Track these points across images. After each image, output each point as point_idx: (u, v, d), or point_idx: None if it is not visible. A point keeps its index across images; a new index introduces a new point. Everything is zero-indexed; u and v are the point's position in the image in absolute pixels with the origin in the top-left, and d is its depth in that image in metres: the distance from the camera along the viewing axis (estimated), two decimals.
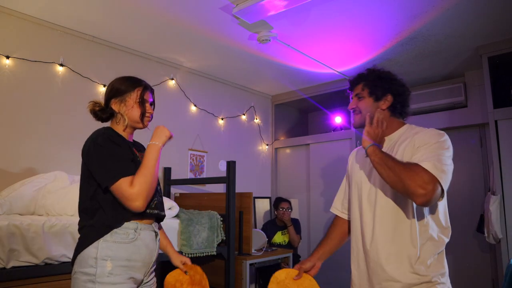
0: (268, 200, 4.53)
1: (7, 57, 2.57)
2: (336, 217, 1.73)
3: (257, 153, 4.51)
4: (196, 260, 2.84)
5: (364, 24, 2.84)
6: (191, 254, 2.49)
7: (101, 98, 1.49)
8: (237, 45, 3.19)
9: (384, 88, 1.45)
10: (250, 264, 2.99)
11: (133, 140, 1.55)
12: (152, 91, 1.51)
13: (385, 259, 1.36)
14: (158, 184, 1.46)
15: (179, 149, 3.59)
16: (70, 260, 1.98)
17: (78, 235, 1.34)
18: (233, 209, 2.76)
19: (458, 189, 3.76)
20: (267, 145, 4.64)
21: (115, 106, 1.43)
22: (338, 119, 4.32)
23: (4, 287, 1.75)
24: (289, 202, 3.87)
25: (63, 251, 1.96)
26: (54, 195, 2.24)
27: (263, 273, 3.65)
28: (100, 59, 3.07)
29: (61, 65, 2.82)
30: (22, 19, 2.66)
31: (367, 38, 3.07)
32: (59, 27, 2.84)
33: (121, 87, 1.44)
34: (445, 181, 1.25)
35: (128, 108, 1.42)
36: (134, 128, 1.48)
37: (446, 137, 1.36)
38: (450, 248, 3.73)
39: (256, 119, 4.51)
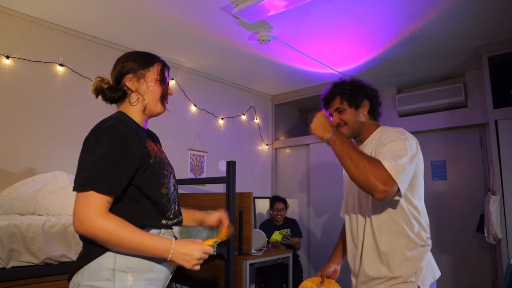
0: (268, 200, 4.53)
1: (7, 57, 2.57)
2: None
3: (257, 153, 4.51)
4: None
5: (364, 24, 2.84)
6: None
7: (101, 98, 1.30)
8: (237, 45, 3.19)
9: (361, 95, 1.54)
10: (250, 264, 2.99)
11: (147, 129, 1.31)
12: (169, 69, 1.30)
13: (364, 254, 1.47)
14: (176, 188, 1.25)
15: (179, 149, 3.59)
16: (70, 260, 1.98)
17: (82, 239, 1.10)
18: (233, 209, 2.75)
19: (458, 189, 3.76)
20: (267, 145, 4.64)
21: (131, 84, 1.19)
22: None
23: (4, 287, 1.75)
24: (284, 202, 3.86)
25: (63, 251, 1.96)
26: (54, 195, 2.24)
27: (263, 273, 3.65)
28: (100, 59, 3.07)
29: (61, 65, 2.82)
30: (22, 19, 2.66)
31: (367, 38, 3.07)
32: (59, 27, 2.84)
33: (137, 61, 1.20)
34: (402, 181, 1.26)
35: (148, 86, 1.19)
36: (152, 112, 1.24)
37: (408, 137, 1.40)
38: (450, 248, 3.76)
39: (256, 119, 4.51)
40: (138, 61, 1.21)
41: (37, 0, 2.49)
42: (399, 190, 1.25)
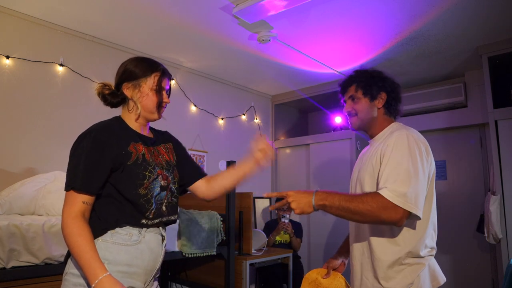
0: (268, 200, 4.53)
1: (7, 57, 2.57)
2: None
3: None
4: (196, 260, 2.85)
5: (364, 24, 2.84)
6: (191, 254, 2.49)
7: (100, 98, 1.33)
8: (237, 45, 3.19)
9: (378, 86, 1.45)
10: (250, 264, 2.99)
11: (151, 129, 1.39)
12: (169, 77, 1.36)
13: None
14: (168, 189, 1.29)
15: None
16: None
17: None
18: (233, 209, 2.75)
19: (458, 189, 3.76)
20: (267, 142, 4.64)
21: (127, 91, 1.25)
22: (338, 119, 4.32)
23: (4, 287, 1.75)
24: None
25: (63, 251, 1.96)
26: (54, 195, 2.24)
27: (263, 273, 3.65)
28: (100, 59, 3.07)
29: (61, 65, 2.82)
30: (22, 19, 2.66)
31: (367, 38, 3.07)
32: (59, 27, 2.84)
33: (135, 70, 1.25)
34: (410, 203, 1.17)
35: (142, 95, 1.24)
36: (148, 119, 1.31)
37: (410, 144, 1.27)
38: (450, 248, 3.76)
39: (256, 119, 4.51)
40: (137, 69, 1.26)
41: (37, 0, 2.49)
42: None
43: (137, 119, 1.28)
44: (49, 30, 2.80)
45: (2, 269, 1.76)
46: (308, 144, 4.40)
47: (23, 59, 2.64)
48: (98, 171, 1.15)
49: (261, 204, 4.41)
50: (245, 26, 2.83)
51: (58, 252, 1.93)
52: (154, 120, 1.31)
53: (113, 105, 1.29)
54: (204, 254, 2.59)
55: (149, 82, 1.26)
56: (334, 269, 1.60)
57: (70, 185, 1.13)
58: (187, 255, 2.43)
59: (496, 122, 3.13)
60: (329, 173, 4.10)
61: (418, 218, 1.21)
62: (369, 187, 1.35)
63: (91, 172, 1.13)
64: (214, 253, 2.66)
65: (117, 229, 1.17)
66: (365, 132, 1.54)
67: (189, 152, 3.69)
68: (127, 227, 1.19)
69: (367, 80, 1.46)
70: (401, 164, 1.23)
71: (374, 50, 3.30)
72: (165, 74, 1.31)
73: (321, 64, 3.61)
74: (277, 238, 3.70)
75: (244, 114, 4.35)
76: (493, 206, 3.05)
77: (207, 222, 2.65)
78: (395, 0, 2.50)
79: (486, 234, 3.15)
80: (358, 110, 1.46)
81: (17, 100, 2.60)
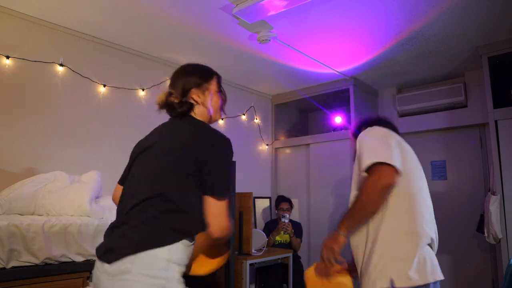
0: (268, 200, 4.53)
1: (7, 57, 2.57)
2: None
3: (257, 153, 4.51)
4: None
5: (364, 24, 2.84)
6: None
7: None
8: (237, 45, 3.19)
9: (361, 129, 1.61)
10: (250, 264, 2.99)
11: None
12: (221, 79, 1.43)
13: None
14: None
15: None
16: (70, 260, 1.98)
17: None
18: (233, 209, 2.76)
19: (458, 189, 3.76)
20: (267, 145, 4.64)
21: (197, 97, 1.29)
22: (338, 119, 4.32)
23: (4, 287, 1.75)
24: (290, 202, 3.85)
25: (63, 251, 1.96)
26: (54, 195, 2.24)
27: (263, 273, 3.65)
28: (100, 59, 3.07)
29: (61, 65, 2.82)
30: (22, 19, 2.66)
31: (367, 38, 3.07)
32: (59, 27, 2.84)
33: (200, 75, 1.31)
34: (383, 155, 1.27)
35: (211, 98, 1.30)
36: (215, 120, 1.36)
37: (373, 129, 1.49)
38: (450, 248, 3.76)
39: (256, 119, 4.52)
40: (200, 75, 1.32)
41: (37, 0, 2.49)
42: (394, 167, 1.25)
43: (208, 120, 1.32)
44: (49, 30, 2.80)
45: (2, 269, 1.76)
46: (308, 144, 4.40)
47: (23, 59, 2.64)
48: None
49: (261, 204, 4.41)
50: (245, 26, 2.83)
51: (58, 252, 1.93)
52: (218, 120, 1.38)
53: (179, 114, 1.28)
54: None
55: (213, 85, 1.32)
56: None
57: (228, 193, 1.17)
58: None
59: (496, 122, 3.13)
60: (329, 173, 4.10)
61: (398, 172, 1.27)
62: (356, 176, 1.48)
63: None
64: None
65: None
66: None
67: None
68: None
69: (355, 129, 1.70)
70: (369, 144, 1.38)
71: (374, 50, 3.30)
72: (220, 77, 1.39)
73: (321, 64, 3.61)
74: (277, 238, 3.70)
75: (244, 114, 4.35)
76: (493, 206, 3.05)
77: None
78: (395, 0, 2.50)
79: (486, 234, 3.15)
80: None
81: (17, 100, 2.60)
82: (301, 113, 5.24)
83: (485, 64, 3.23)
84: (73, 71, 2.89)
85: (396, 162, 1.25)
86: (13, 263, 1.80)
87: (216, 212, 1.12)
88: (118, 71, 3.18)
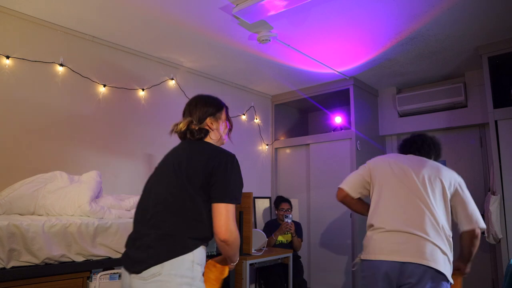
0: (268, 200, 4.53)
1: (7, 57, 2.57)
2: None
3: (257, 153, 4.51)
4: None
5: (364, 24, 2.84)
6: None
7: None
8: (237, 45, 3.19)
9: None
10: (250, 264, 2.99)
11: None
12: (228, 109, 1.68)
13: None
14: None
15: None
16: (70, 260, 1.99)
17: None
18: None
19: None
20: (267, 145, 4.65)
21: (211, 124, 1.52)
22: (338, 119, 4.32)
23: (4, 287, 1.75)
24: (290, 202, 3.86)
25: (63, 251, 1.96)
26: (54, 195, 2.24)
27: (264, 273, 3.65)
28: (100, 59, 3.07)
29: (61, 65, 2.82)
30: (22, 19, 2.66)
31: (367, 38, 3.07)
32: (59, 27, 2.84)
33: (214, 105, 1.55)
34: (344, 184, 2.08)
35: (221, 125, 1.55)
36: (222, 143, 1.60)
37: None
38: None
39: (256, 119, 4.52)
40: (215, 105, 1.55)
41: (37, 0, 2.49)
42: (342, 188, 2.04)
43: (220, 144, 1.55)
44: (49, 30, 2.80)
45: (2, 269, 1.76)
46: (308, 144, 4.40)
47: (23, 59, 2.64)
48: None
49: (261, 204, 4.41)
50: (245, 26, 2.83)
51: (58, 252, 1.93)
52: (224, 143, 1.61)
53: (196, 139, 1.48)
54: None
55: (223, 114, 1.57)
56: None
57: (238, 200, 1.34)
58: None
59: (496, 122, 3.13)
60: (329, 173, 4.10)
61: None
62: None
63: (241, 187, 1.42)
64: (214, 253, 2.66)
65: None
66: None
67: None
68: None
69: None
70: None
71: (374, 50, 3.30)
72: (227, 108, 1.63)
73: (321, 64, 3.61)
74: (280, 238, 3.71)
75: (244, 114, 4.35)
76: (493, 206, 3.05)
77: None
78: (395, 0, 2.50)
79: (486, 234, 3.15)
80: None
81: (17, 100, 2.60)
82: (301, 113, 5.24)
83: (485, 64, 3.23)
84: (73, 71, 2.89)
85: (342, 185, 2.05)
86: (13, 263, 1.80)
87: (222, 215, 1.29)
88: (118, 71, 3.18)
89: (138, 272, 1.23)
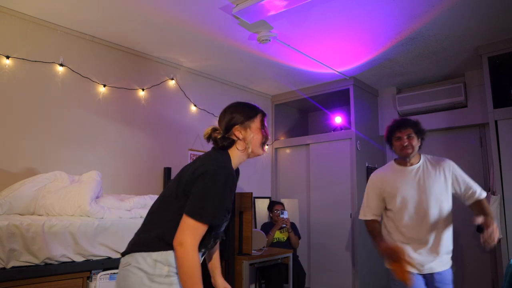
0: (268, 200, 4.53)
1: (7, 57, 2.57)
2: None
3: None
4: None
5: (364, 24, 2.84)
6: None
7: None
8: (237, 45, 3.19)
9: (422, 133, 2.21)
10: (250, 264, 2.99)
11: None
12: (266, 116, 1.54)
13: None
14: (227, 219, 1.42)
15: (179, 149, 3.59)
16: (70, 260, 1.99)
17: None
18: (233, 209, 2.76)
19: None
20: (267, 145, 4.64)
21: (238, 133, 1.42)
22: (338, 119, 4.32)
23: (4, 287, 1.75)
24: (282, 204, 4.00)
25: (63, 251, 1.96)
26: (54, 195, 2.24)
27: (263, 273, 3.65)
28: (100, 59, 3.07)
29: (61, 65, 2.82)
30: (22, 19, 2.66)
31: (367, 38, 3.07)
32: (59, 27, 2.84)
33: (244, 113, 1.45)
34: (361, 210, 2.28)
35: (253, 135, 1.43)
36: (256, 155, 1.48)
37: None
38: None
39: None
40: (244, 113, 1.44)
41: (37, 0, 2.49)
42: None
43: (248, 155, 1.46)
44: (49, 30, 2.80)
45: (2, 269, 1.76)
46: (308, 144, 4.40)
47: (23, 59, 2.64)
48: (224, 210, 1.33)
49: (261, 204, 4.41)
50: (245, 26, 2.83)
51: (58, 252, 1.93)
52: (259, 155, 1.49)
53: (220, 148, 1.42)
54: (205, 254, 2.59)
55: (256, 123, 1.45)
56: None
57: (204, 219, 1.23)
58: None
59: (496, 122, 3.13)
60: (329, 173, 4.10)
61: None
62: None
63: (222, 209, 1.30)
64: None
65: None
66: (407, 162, 2.16)
67: (189, 152, 3.72)
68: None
69: (420, 127, 2.19)
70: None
71: (374, 50, 3.30)
72: (265, 114, 1.50)
73: (321, 64, 3.61)
74: (276, 235, 3.72)
75: None
76: (493, 206, 3.05)
77: None
78: (395, 0, 2.50)
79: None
80: (414, 145, 2.11)
81: (17, 100, 2.60)
82: (301, 113, 5.24)
83: (485, 64, 3.23)
84: (73, 71, 2.89)
85: (361, 215, 2.22)
86: (13, 263, 1.80)
87: (183, 226, 1.23)
88: (118, 71, 3.17)
89: (122, 255, 1.33)
